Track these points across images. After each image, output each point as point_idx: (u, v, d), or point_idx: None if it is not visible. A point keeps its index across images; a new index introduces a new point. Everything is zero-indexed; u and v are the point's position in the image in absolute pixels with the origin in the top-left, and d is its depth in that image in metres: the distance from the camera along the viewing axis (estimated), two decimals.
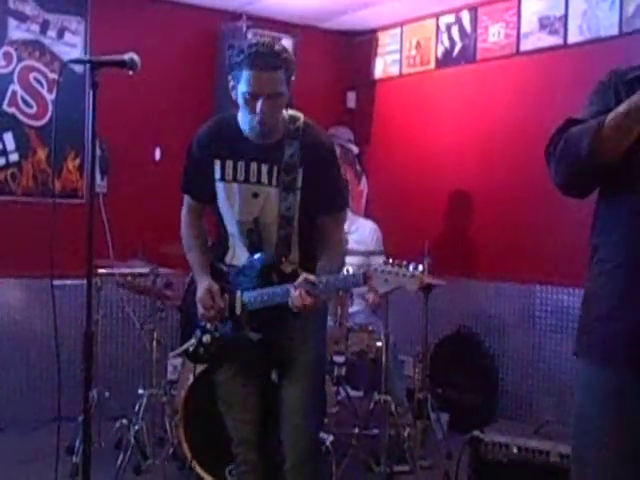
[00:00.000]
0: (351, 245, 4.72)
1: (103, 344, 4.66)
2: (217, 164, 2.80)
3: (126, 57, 2.47)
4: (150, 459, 4.30)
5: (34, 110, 5.24)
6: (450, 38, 5.72)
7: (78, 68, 5.09)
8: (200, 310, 2.81)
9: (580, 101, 2.14)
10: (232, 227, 2.84)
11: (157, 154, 5.60)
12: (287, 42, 5.51)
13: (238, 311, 2.79)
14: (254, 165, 2.76)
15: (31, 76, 5.23)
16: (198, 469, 3.88)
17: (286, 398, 2.80)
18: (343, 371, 4.32)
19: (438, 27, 5.81)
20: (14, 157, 5.20)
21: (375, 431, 4.38)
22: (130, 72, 2.48)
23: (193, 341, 2.87)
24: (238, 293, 2.80)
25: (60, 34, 5.29)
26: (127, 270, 4.50)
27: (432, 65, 5.88)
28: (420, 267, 2.39)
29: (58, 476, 2.62)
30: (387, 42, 6.24)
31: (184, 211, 2.99)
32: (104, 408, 4.48)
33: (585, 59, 4.81)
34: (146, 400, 4.29)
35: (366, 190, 5.89)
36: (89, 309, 2.49)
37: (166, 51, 5.57)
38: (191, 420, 3.95)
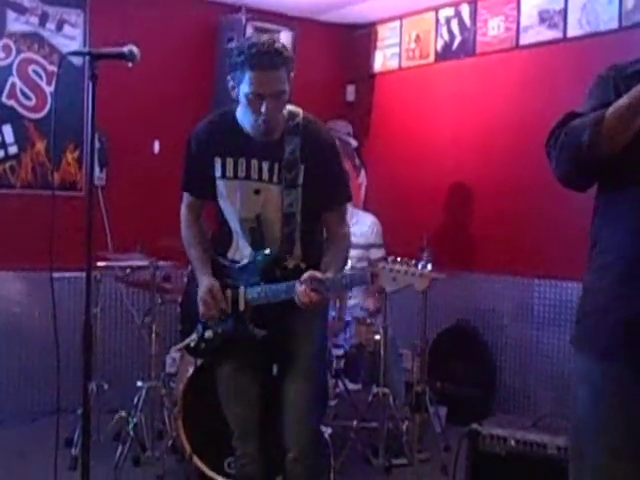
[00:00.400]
0: (351, 238, 4.73)
1: (102, 337, 4.65)
2: (217, 161, 2.79)
3: (125, 49, 2.46)
4: (149, 451, 4.31)
5: (33, 102, 5.23)
6: (450, 31, 5.71)
7: (77, 61, 5.08)
8: (201, 309, 2.80)
9: (580, 95, 2.14)
10: (234, 224, 2.84)
11: (156, 147, 5.60)
12: (286, 35, 5.51)
13: (242, 307, 2.79)
14: (255, 162, 2.75)
15: (30, 68, 5.22)
16: (197, 462, 3.88)
17: (288, 391, 2.80)
18: (342, 364, 4.33)
19: (438, 20, 5.81)
20: (13, 150, 5.19)
21: (373, 424, 4.40)
22: (129, 64, 2.47)
23: (195, 336, 2.87)
24: (242, 289, 2.79)
25: (59, 26, 5.28)
26: (126, 263, 4.50)
27: (431, 58, 5.87)
28: (429, 266, 2.38)
29: (57, 468, 2.62)
30: (386, 35, 6.23)
31: (183, 209, 2.98)
32: (103, 400, 4.49)
33: (584, 53, 4.81)
34: (145, 393, 4.29)
35: (365, 183, 5.90)
36: (88, 301, 2.49)
37: (165, 43, 5.56)
38: (190, 413, 3.96)
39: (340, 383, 4.41)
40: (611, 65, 2.09)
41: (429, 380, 4.77)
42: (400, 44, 6.11)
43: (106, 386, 4.51)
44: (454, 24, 5.68)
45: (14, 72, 5.17)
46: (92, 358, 2.54)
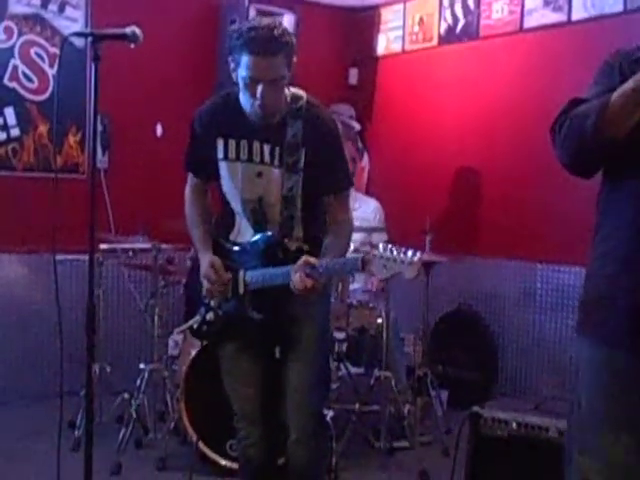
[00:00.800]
0: (353, 224, 4.72)
1: (105, 319, 4.67)
2: (220, 143, 2.78)
3: (128, 30, 2.45)
4: (151, 433, 4.34)
5: (35, 85, 5.22)
6: (453, 14, 5.69)
7: (79, 43, 5.07)
8: (205, 285, 2.80)
9: (584, 79, 2.13)
10: (237, 205, 2.84)
11: (158, 130, 5.59)
12: (289, 18, 5.48)
13: (241, 290, 2.79)
14: (257, 144, 2.74)
15: (32, 51, 5.20)
16: (199, 444, 3.90)
17: (290, 374, 2.80)
18: (344, 347, 4.34)
19: (441, 3, 5.77)
20: (15, 132, 5.19)
21: (375, 407, 4.41)
22: (132, 45, 2.46)
23: (197, 318, 2.88)
24: (241, 272, 2.79)
25: (61, 8, 5.26)
26: (129, 246, 4.50)
27: (435, 42, 5.85)
28: (418, 253, 2.36)
29: (60, 450, 2.63)
30: (390, 18, 6.20)
31: (188, 189, 2.98)
32: (106, 383, 4.50)
33: (589, 36, 4.78)
34: (147, 375, 4.31)
35: (368, 167, 5.88)
36: (91, 283, 2.49)
37: (167, 25, 5.54)
38: (192, 395, 3.98)
39: (342, 366, 4.42)
40: (616, 50, 2.08)
41: (431, 364, 4.79)
42: (403, 27, 6.08)
43: (109, 368, 4.53)
44: (458, 7, 5.65)
45: (16, 54, 5.16)
46: (95, 340, 2.55)
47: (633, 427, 1.98)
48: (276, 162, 2.74)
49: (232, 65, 2.67)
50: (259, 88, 2.60)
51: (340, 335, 4.32)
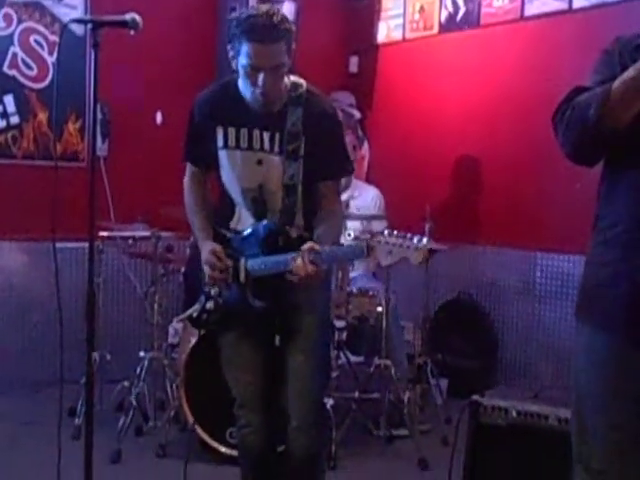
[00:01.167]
0: (353, 210, 4.73)
1: (104, 307, 4.67)
2: (219, 131, 2.77)
3: (128, 17, 2.44)
4: (151, 421, 4.35)
5: (35, 72, 5.21)
6: (454, 3, 5.66)
7: (79, 30, 5.05)
8: (207, 271, 2.79)
9: (585, 66, 2.13)
10: (236, 194, 2.83)
11: (158, 118, 5.58)
12: (289, 5, 5.46)
13: (242, 278, 2.79)
14: (257, 132, 2.74)
15: (31, 38, 5.19)
16: (199, 431, 3.91)
17: (290, 363, 2.80)
18: (344, 336, 4.34)
19: None
20: (15, 119, 5.18)
21: (375, 395, 4.42)
22: (132, 32, 2.45)
23: (197, 306, 2.88)
24: (242, 260, 2.79)
25: None
26: (128, 233, 4.50)
27: (435, 30, 5.82)
28: (425, 239, 2.37)
29: (60, 438, 2.63)
30: (390, 6, 6.18)
31: (187, 178, 2.97)
32: (106, 371, 4.51)
33: (590, 24, 4.76)
34: (147, 363, 4.32)
35: (368, 155, 5.87)
36: (91, 271, 2.49)
37: (167, 13, 5.52)
38: (192, 383, 3.98)
39: (342, 355, 4.43)
40: (616, 38, 2.07)
41: (430, 352, 4.80)
42: (404, 15, 6.06)
43: (109, 356, 4.54)
44: None
45: (15, 42, 5.14)
46: (95, 328, 2.55)
47: (632, 413, 1.98)
48: (276, 149, 2.73)
49: (231, 53, 2.66)
50: (260, 76, 2.60)
51: (340, 323, 4.33)
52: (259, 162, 2.75)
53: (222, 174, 2.83)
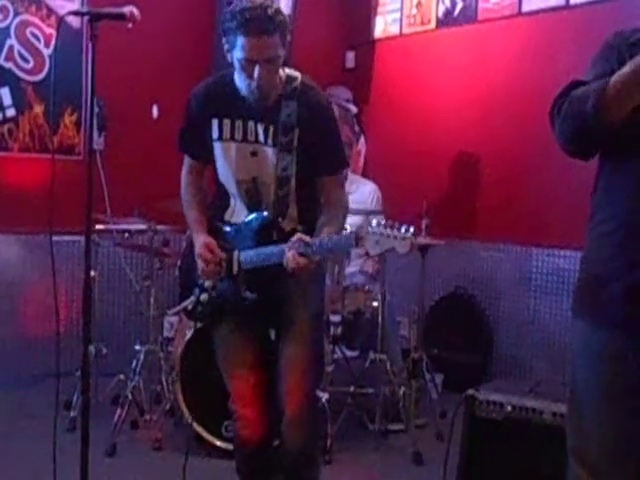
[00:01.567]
0: (350, 205, 4.71)
1: (100, 300, 4.67)
2: (215, 123, 2.78)
3: (125, 10, 2.44)
4: (147, 415, 4.34)
5: (31, 65, 5.19)
6: None
7: (75, 23, 5.05)
8: (200, 265, 2.80)
9: (583, 62, 2.13)
10: (231, 186, 2.84)
11: (155, 111, 5.57)
12: (286, 0, 5.45)
13: (235, 270, 2.80)
14: (251, 124, 2.75)
15: (28, 31, 5.18)
16: (195, 425, 3.91)
17: (284, 355, 2.81)
18: (339, 330, 4.34)
19: None
20: (11, 112, 5.17)
21: (370, 390, 4.42)
22: (129, 25, 2.45)
23: (192, 299, 2.88)
24: (235, 252, 2.80)
25: None
26: (124, 227, 4.50)
27: (433, 25, 5.82)
28: (411, 229, 2.37)
29: (56, 430, 2.63)
30: (387, 1, 6.17)
31: (184, 170, 2.98)
32: (101, 364, 4.51)
33: (588, 20, 4.76)
34: (143, 356, 4.32)
35: (364, 150, 5.88)
36: (88, 264, 2.49)
37: (163, 6, 5.50)
38: (188, 376, 3.98)
39: (337, 349, 4.43)
40: (615, 33, 2.07)
41: (426, 347, 4.80)
42: (401, 10, 6.05)
43: (105, 349, 4.54)
44: None
45: (12, 34, 5.13)
46: (91, 321, 2.55)
47: (627, 409, 1.99)
48: (270, 141, 2.74)
49: (226, 46, 2.66)
50: (256, 69, 2.60)
51: (335, 318, 4.33)
52: (253, 153, 2.76)
53: (217, 166, 2.84)
